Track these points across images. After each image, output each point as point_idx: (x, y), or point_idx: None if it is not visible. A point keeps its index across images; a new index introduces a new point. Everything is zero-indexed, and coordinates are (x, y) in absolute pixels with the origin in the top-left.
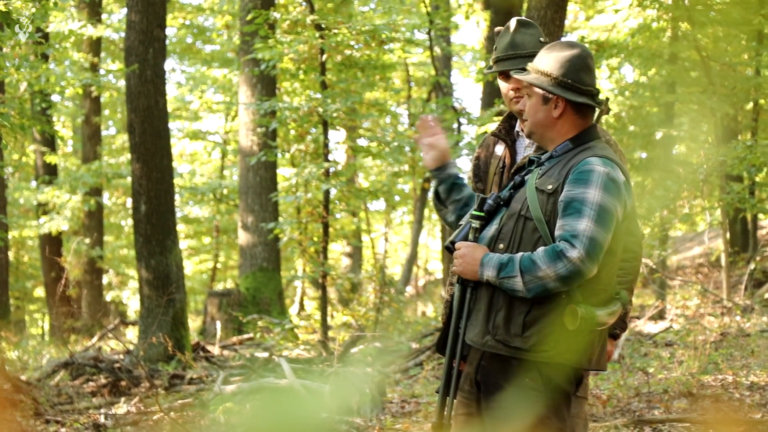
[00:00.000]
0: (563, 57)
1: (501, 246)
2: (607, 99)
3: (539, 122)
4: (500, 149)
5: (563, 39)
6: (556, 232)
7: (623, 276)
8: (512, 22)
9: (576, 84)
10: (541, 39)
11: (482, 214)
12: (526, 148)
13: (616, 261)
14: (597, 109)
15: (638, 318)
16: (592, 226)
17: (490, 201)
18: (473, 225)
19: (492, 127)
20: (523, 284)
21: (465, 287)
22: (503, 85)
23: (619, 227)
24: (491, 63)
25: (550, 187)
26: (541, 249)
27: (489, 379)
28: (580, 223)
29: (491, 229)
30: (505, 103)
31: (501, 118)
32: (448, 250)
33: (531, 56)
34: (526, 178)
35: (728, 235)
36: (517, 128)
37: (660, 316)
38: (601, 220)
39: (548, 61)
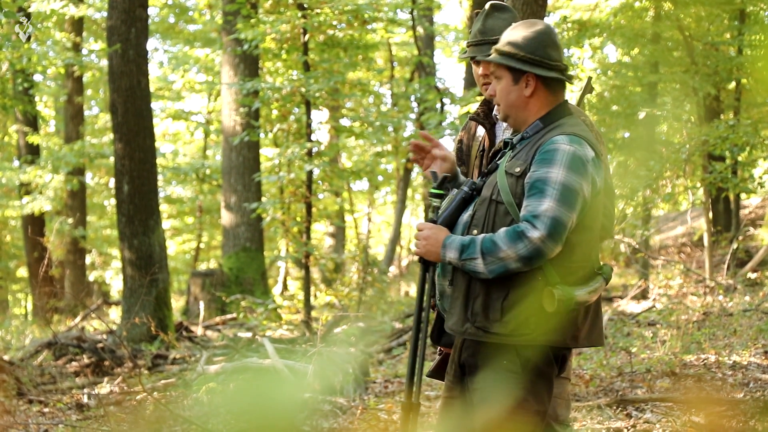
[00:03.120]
0: (529, 34)
1: (475, 232)
2: (590, 78)
3: (512, 103)
4: (481, 132)
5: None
6: (521, 214)
7: None
8: (486, 6)
9: (545, 59)
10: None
11: (440, 192)
12: (504, 131)
13: (594, 237)
14: (567, 83)
15: (621, 298)
16: (554, 205)
17: (448, 183)
18: (434, 204)
19: (474, 107)
20: (484, 266)
21: (426, 268)
22: (475, 71)
23: (595, 203)
24: (465, 48)
25: (518, 169)
26: (502, 230)
27: (470, 363)
28: (542, 203)
29: (465, 216)
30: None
31: (482, 98)
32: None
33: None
34: (498, 162)
35: (711, 214)
36: (495, 111)
37: (643, 295)
38: (564, 199)
39: (514, 39)
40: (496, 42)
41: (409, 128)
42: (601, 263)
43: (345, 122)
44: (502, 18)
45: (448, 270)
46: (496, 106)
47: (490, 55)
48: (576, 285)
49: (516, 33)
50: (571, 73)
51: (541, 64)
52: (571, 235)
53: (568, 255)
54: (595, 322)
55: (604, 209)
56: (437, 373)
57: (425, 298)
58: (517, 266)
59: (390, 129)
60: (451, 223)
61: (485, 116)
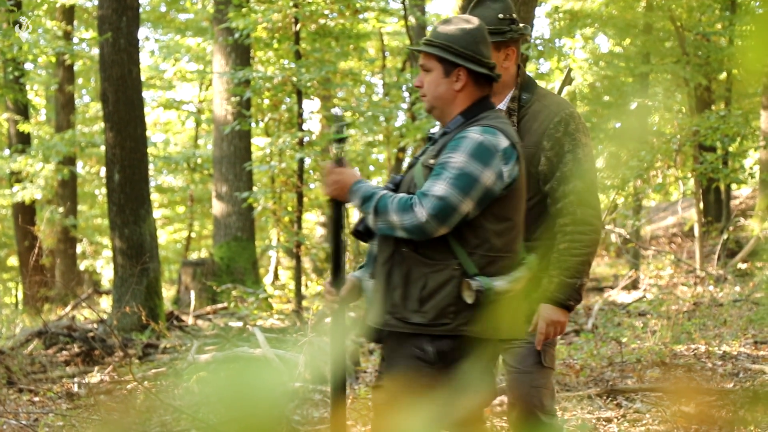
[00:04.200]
0: (463, 29)
1: None
2: (570, 70)
3: (440, 96)
4: None
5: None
6: (419, 190)
7: (578, 248)
8: None
9: (477, 55)
10: (501, 15)
11: (343, 136)
12: None
13: (515, 227)
14: (493, 82)
15: (612, 288)
16: (447, 188)
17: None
18: (335, 150)
19: None
20: (374, 222)
21: (338, 208)
22: None
23: (513, 193)
24: None
25: (431, 161)
26: (398, 196)
27: (389, 354)
28: (436, 184)
29: None
30: None
31: None
32: (357, 234)
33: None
34: (419, 158)
35: (701, 205)
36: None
37: (633, 285)
38: (458, 183)
39: (448, 34)
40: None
41: (401, 118)
42: (526, 254)
43: (336, 111)
44: (492, 8)
45: (369, 263)
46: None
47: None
48: (496, 275)
49: (450, 27)
50: (498, 73)
51: (474, 60)
52: (487, 224)
53: (486, 245)
54: (516, 312)
55: (586, 204)
56: None
57: (341, 233)
58: (402, 234)
59: (381, 119)
60: None
61: None
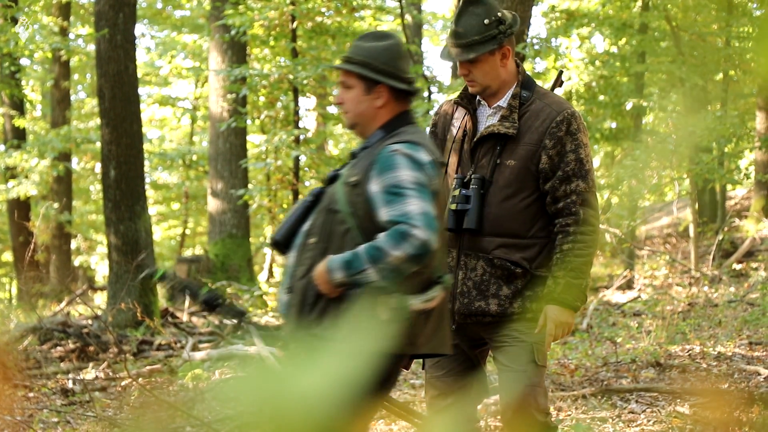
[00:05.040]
0: (382, 45)
1: (312, 240)
2: (561, 72)
3: (362, 113)
4: (459, 117)
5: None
6: (388, 219)
7: (582, 249)
8: (462, 1)
9: (397, 71)
10: (486, 21)
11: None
12: (488, 117)
13: None
14: (413, 96)
15: (607, 288)
16: (419, 202)
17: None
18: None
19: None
20: (377, 273)
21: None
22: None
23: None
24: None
25: (354, 178)
26: (382, 235)
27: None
28: (408, 204)
29: (307, 224)
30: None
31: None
32: (275, 245)
33: (471, 45)
34: (341, 172)
35: (697, 205)
36: (478, 97)
37: (628, 285)
38: (422, 195)
39: (367, 51)
40: (471, 44)
41: None
42: (442, 271)
43: (332, 110)
44: (476, 13)
45: (287, 276)
46: (476, 91)
47: (470, 57)
48: (412, 293)
49: (370, 43)
50: (418, 86)
51: (394, 76)
52: None
53: None
54: (437, 328)
55: (587, 204)
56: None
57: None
58: (408, 266)
59: None
60: (291, 231)
61: (468, 101)
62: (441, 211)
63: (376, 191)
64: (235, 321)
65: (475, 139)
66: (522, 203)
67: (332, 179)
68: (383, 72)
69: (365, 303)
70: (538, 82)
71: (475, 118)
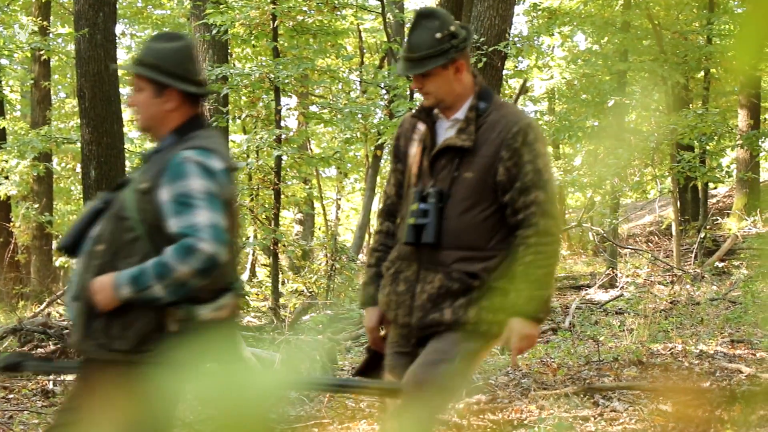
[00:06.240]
0: (172, 48)
1: (100, 247)
2: (525, 80)
3: (152, 116)
4: (419, 131)
5: (166, 30)
6: (176, 231)
7: (543, 260)
8: (414, 15)
9: (188, 74)
10: (438, 35)
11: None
12: (446, 130)
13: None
14: (205, 99)
15: (589, 286)
16: (208, 213)
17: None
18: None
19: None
20: (163, 290)
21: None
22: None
23: (225, 215)
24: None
25: (144, 185)
26: (169, 249)
27: (90, 381)
28: (197, 215)
29: (95, 231)
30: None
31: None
32: (62, 250)
33: (423, 59)
34: (131, 177)
35: (679, 203)
36: (435, 110)
37: (611, 284)
38: (212, 206)
39: (158, 53)
40: (422, 58)
41: (378, 115)
42: (234, 278)
43: (314, 109)
44: (429, 27)
45: (74, 283)
46: (430, 104)
47: (421, 71)
48: (202, 302)
49: (160, 45)
50: (213, 89)
51: (185, 79)
52: None
53: None
54: (226, 337)
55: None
56: (366, 372)
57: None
58: (196, 281)
59: (359, 116)
60: (79, 236)
61: (426, 114)
62: (233, 220)
63: (165, 200)
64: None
65: (432, 152)
66: (481, 215)
67: (122, 184)
68: (173, 75)
69: (152, 311)
70: (519, 81)
71: (434, 132)
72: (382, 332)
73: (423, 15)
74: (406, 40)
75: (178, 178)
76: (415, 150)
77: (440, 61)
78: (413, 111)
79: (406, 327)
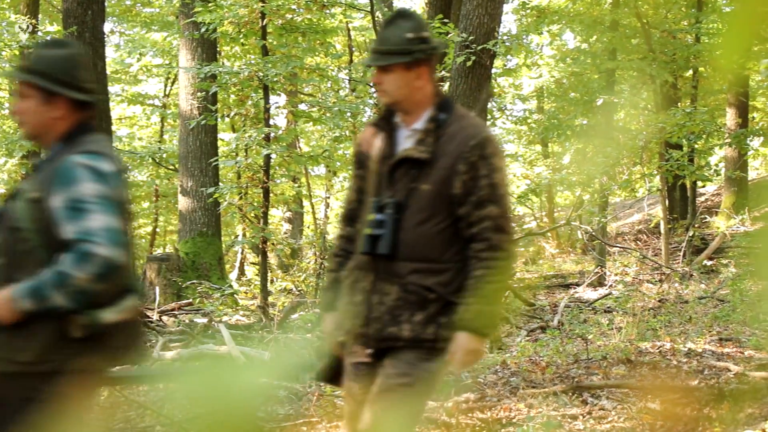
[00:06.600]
0: (59, 55)
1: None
2: (489, 85)
3: (40, 124)
4: (379, 140)
5: (58, 38)
6: (71, 237)
7: (494, 275)
8: (393, 13)
9: (75, 82)
10: (409, 35)
11: None
12: (406, 139)
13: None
14: (93, 106)
15: (578, 284)
16: (103, 217)
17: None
18: None
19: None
20: (64, 298)
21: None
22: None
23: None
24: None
25: (35, 194)
26: (66, 257)
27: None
28: (91, 220)
29: None
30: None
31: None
32: None
33: (388, 53)
34: (22, 187)
35: (667, 202)
36: (396, 119)
37: (599, 282)
38: (106, 209)
39: (46, 60)
40: (387, 52)
41: (368, 113)
42: (133, 279)
43: (303, 107)
44: (402, 26)
45: None
46: (385, 103)
47: (383, 65)
48: (104, 306)
49: (48, 52)
50: (99, 97)
51: (73, 86)
52: None
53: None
54: (129, 339)
55: (476, 218)
56: (326, 377)
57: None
58: (96, 287)
59: (348, 114)
60: None
61: (386, 123)
62: (127, 223)
63: (57, 206)
64: None
65: (391, 162)
66: (436, 228)
67: (14, 195)
68: (61, 82)
69: (55, 319)
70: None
71: (393, 141)
72: (341, 338)
73: (401, 15)
74: (378, 33)
75: (69, 183)
76: (374, 158)
77: (404, 59)
78: (372, 120)
79: (364, 337)
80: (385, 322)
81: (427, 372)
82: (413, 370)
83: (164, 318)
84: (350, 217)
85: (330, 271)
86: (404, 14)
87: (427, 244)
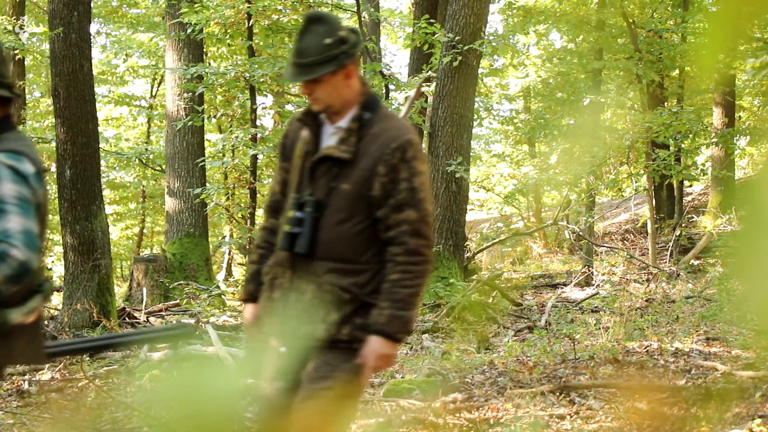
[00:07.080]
0: None
1: None
2: (420, 84)
3: None
4: (304, 136)
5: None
6: None
7: (410, 279)
8: (304, 20)
9: None
10: (327, 41)
11: None
12: (330, 136)
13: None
14: (14, 102)
15: (565, 284)
16: (20, 219)
17: None
18: None
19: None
20: None
21: None
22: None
23: (37, 217)
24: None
25: None
26: None
27: None
28: (8, 220)
29: None
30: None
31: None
32: None
33: (312, 65)
34: None
35: (654, 201)
36: (321, 115)
37: (586, 282)
38: (24, 211)
39: None
40: (311, 63)
41: None
42: (42, 279)
43: (290, 108)
44: (318, 33)
45: None
46: (319, 109)
47: (311, 78)
48: (11, 306)
49: None
50: (18, 93)
51: None
52: None
53: None
54: (32, 338)
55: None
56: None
57: None
58: (7, 288)
59: None
60: None
61: (312, 118)
62: (43, 225)
63: None
64: None
65: (313, 159)
66: (355, 228)
67: None
68: None
69: None
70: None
71: (318, 137)
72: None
73: (312, 20)
74: (294, 45)
75: None
76: (297, 153)
77: (330, 67)
78: (298, 115)
79: (281, 335)
80: (301, 321)
81: (347, 373)
82: (333, 372)
83: (151, 319)
84: (274, 209)
85: (251, 263)
86: (315, 19)
87: (345, 244)
